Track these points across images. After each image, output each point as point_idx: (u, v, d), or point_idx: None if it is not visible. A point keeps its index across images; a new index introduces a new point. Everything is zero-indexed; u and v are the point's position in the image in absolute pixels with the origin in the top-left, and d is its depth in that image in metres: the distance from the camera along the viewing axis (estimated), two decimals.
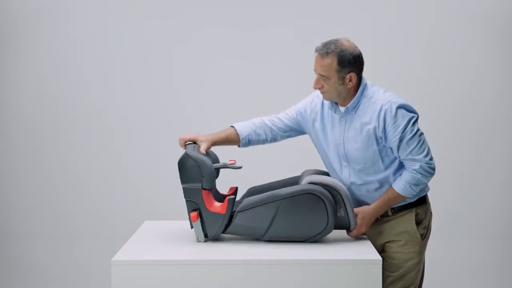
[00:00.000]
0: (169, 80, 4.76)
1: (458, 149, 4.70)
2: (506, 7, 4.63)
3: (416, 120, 2.68)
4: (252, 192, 2.88)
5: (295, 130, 2.94)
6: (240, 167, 2.73)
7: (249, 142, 2.90)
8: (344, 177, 2.79)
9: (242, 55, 4.73)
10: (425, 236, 2.80)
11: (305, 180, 2.67)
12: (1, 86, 4.78)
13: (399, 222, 2.77)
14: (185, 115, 4.75)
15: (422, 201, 2.80)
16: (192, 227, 2.70)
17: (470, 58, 4.67)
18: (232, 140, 2.87)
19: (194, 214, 2.64)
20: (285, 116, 2.93)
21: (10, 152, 4.81)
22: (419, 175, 2.66)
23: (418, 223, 2.78)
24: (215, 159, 2.82)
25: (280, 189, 2.63)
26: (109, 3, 4.72)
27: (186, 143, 2.76)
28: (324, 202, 2.58)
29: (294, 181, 2.86)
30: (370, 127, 2.67)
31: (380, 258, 2.47)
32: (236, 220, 2.63)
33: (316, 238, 2.64)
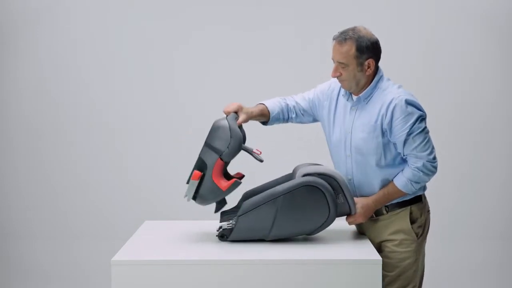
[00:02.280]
0: (169, 80, 4.76)
1: (458, 149, 4.70)
2: (506, 7, 4.63)
3: (424, 118, 2.70)
4: (247, 196, 2.87)
5: (308, 115, 2.95)
6: (261, 160, 2.71)
7: (275, 120, 2.93)
8: (348, 167, 2.80)
9: (242, 55, 4.73)
10: (421, 235, 2.80)
11: (299, 172, 2.67)
12: (1, 86, 4.78)
13: (394, 221, 2.77)
14: (185, 115, 4.75)
15: (417, 200, 2.79)
16: (187, 182, 2.68)
17: (470, 58, 4.67)
18: (264, 116, 2.89)
19: (197, 173, 2.62)
20: (301, 99, 2.95)
21: (10, 152, 4.81)
22: (421, 173, 2.67)
23: (412, 221, 2.77)
24: (244, 138, 2.80)
25: (277, 187, 2.62)
26: (109, 3, 4.72)
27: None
28: (323, 192, 2.58)
29: (288, 179, 2.85)
30: (378, 117, 2.69)
31: (380, 258, 2.47)
32: (239, 224, 2.61)
33: (321, 229, 2.63)
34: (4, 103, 4.79)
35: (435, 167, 2.70)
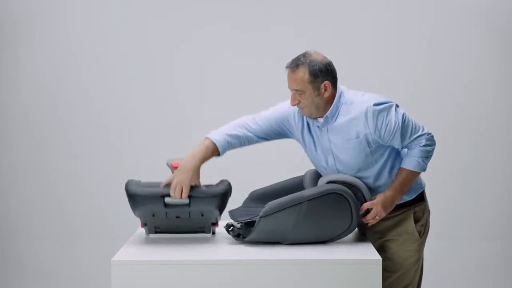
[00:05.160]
0: (169, 80, 4.75)
1: (458, 149, 4.70)
2: (506, 7, 4.63)
3: (397, 105, 2.68)
4: (254, 196, 2.87)
5: (274, 137, 2.85)
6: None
7: (228, 150, 2.79)
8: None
9: (242, 55, 4.73)
10: (423, 233, 2.81)
11: (323, 179, 2.67)
12: (1, 86, 4.78)
13: (398, 221, 2.77)
14: (185, 115, 4.75)
15: (419, 199, 2.80)
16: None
17: (470, 58, 4.67)
18: (212, 155, 2.74)
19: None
20: (264, 122, 2.80)
21: (10, 152, 4.81)
22: (428, 147, 2.68)
23: (416, 221, 2.78)
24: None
25: (302, 191, 2.60)
26: (109, 3, 4.72)
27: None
28: (348, 201, 2.58)
29: (298, 182, 2.85)
30: (359, 132, 2.65)
31: (380, 258, 2.47)
32: (260, 226, 2.58)
33: (339, 238, 2.63)
34: (4, 103, 4.78)
35: (433, 138, 2.72)
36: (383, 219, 2.73)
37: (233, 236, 2.67)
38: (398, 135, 2.65)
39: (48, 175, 4.80)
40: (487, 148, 4.71)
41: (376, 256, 2.49)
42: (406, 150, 2.74)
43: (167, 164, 2.71)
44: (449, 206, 4.68)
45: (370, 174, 2.72)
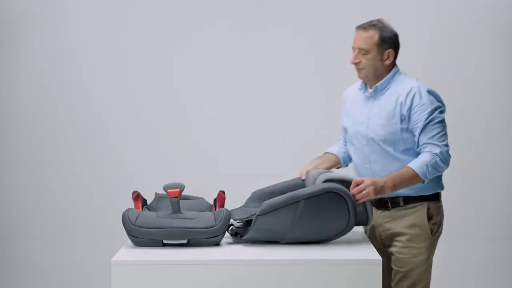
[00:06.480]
0: (169, 80, 4.76)
1: (458, 149, 4.68)
2: (506, 7, 4.63)
3: (443, 111, 2.75)
4: (256, 195, 2.86)
5: None
6: None
7: (344, 164, 3.05)
8: (365, 155, 2.82)
9: (242, 55, 4.73)
10: (435, 232, 2.82)
11: (321, 178, 2.66)
12: (1, 86, 4.78)
13: (410, 215, 2.78)
14: (185, 115, 4.75)
15: (435, 197, 2.83)
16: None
17: (470, 58, 4.67)
18: (336, 165, 3.02)
19: None
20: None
21: (10, 152, 4.81)
22: (438, 158, 2.68)
23: (429, 218, 2.80)
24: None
25: (299, 190, 2.60)
26: (109, 3, 4.72)
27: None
28: (345, 200, 2.57)
29: (300, 182, 2.84)
30: (397, 104, 2.72)
31: (380, 258, 2.46)
32: (256, 225, 2.57)
33: (337, 237, 2.63)
34: (4, 103, 4.79)
35: (449, 159, 2.73)
36: (396, 211, 2.75)
37: (231, 235, 2.67)
38: (420, 125, 2.69)
39: (48, 175, 4.80)
40: (487, 148, 4.71)
41: (376, 256, 2.49)
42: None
43: (164, 189, 2.72)
44: (449, 206, 4.64)
45: (392, 163, 2.74)
